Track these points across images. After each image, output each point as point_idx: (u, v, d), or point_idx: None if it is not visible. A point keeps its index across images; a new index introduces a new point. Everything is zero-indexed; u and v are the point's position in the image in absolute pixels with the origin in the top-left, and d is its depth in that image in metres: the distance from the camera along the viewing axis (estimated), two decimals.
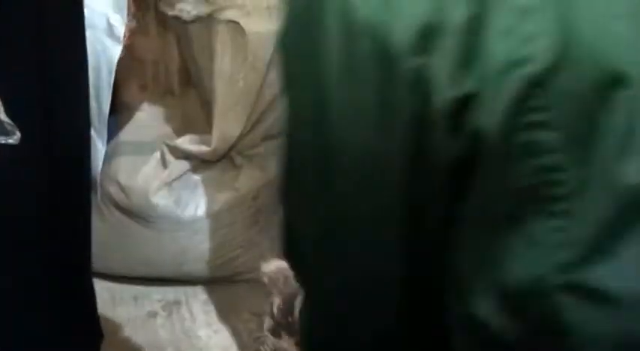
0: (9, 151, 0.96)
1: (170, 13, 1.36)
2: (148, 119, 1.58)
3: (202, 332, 1.42)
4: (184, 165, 1.42)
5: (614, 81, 0.47)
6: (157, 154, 1.50)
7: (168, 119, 1.57)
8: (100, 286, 1.52)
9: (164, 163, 1.49)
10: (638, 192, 0.48)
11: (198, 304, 1.44)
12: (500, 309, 0.51)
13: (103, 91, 1.13)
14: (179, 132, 1.46)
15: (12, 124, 0.80)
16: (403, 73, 0.50)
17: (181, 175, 1.41)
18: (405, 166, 0.53)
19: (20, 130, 0.92)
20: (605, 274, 0.47)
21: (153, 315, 1.45)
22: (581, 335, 0.50)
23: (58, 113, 1.08)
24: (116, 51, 1.15)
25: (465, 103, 0.49)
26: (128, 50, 1.65)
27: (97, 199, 1.54)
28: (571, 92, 0.48)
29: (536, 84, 0.47)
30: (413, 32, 0.50)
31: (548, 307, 0.50)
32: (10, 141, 0.81)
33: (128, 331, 1.41)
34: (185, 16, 1.38)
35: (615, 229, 0.49)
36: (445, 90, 0.49)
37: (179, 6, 1.33)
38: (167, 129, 1.55)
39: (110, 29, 1.11)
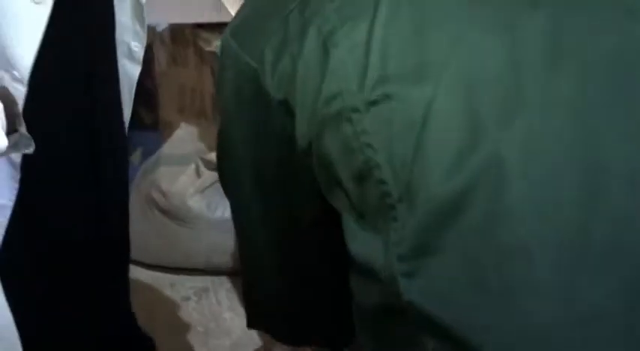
0: (61, 172, 1.10)
1: (207, 48, 1.54)
2: (185, 136, 1.73)
3: (227, 315, 1.58)
4: (215, 175, 1.53)
5: (420, 109, 0.57)
6: (193, 166, 1.64)
7: (202, 137, 1.70)
8: (144, 274, 1.71)
9: (198, 173, 1.63)
10: (444, 201, 0.57)
11: (223, 291, 1.60)
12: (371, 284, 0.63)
13: (125, 105, 1.21)
14: (211, 148, 1.60)
15: (29, 137, 0.82)
16: (275, 106, 0.62)
17: (212, 183, 1.55)
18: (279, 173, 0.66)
19: (66, 143, 1.08)
20: (430, 266, 0.58)
21: (186, 299, 1.60)
22: (419, 310, 0.59)
23: (100, 127, 1.19)
24: (136, 71, 1.22)
25: (309, 143, 0.61)
26: (170, 78, 1.86)
27: (141, 203, 1.71)
28: (389, 120, 0.58)
29: (355, 110, 0.58)
30: (275, 79, 0.62)
31: (395, 288, 0.60)
32: (27, 152, 0.82)
33: (166, 312, 1.59)
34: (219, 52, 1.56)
35: (430, 231, 0.58)
36: (298, 126, 0.61)
37: (215, 43, 1.51)
38: (201, 145, 1.69)
39: (131, 54, 1.17)
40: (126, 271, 1.38)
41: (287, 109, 0.63)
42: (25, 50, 0.96)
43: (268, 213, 0.73)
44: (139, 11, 1.18)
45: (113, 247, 1.26)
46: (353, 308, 0.68)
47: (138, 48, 1.20)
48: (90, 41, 1.12)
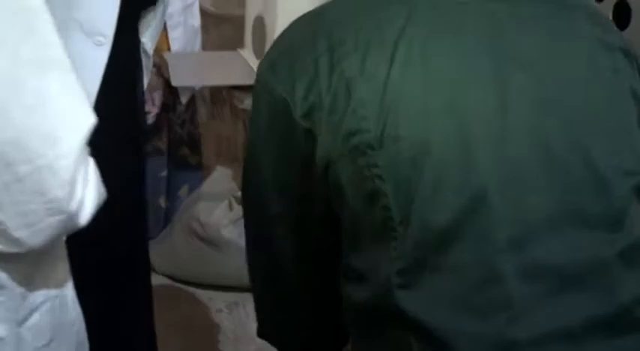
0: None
1: (240, 106, 1.58)
2: (220, 177, 1.93)
3: (253, 325, 1.72)
4: None
5: (423, 152, 0.64)
6: (226, 201, 1.84)
7: (235, 178, 1.89)
8: (185, 290, 1.92)
9: (231, 208, 1.84)
10: (442, 231, 0.66)
11: (250, 304, 1.70)
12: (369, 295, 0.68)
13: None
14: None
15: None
16: (300, 133, 0.68)
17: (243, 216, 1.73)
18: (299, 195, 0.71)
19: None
20: (424, 280, 0.65)
21: (220, 311, 1.81)
22: (409, 317, 0.67)
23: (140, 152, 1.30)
24: (145, 80, 1.28)
25: (327, 164, 0.66)
26: (210, 129, 2.04)
27: (184, 232, 1.92)
28: (397, 158, 0.65)
29: (370, 147, 0.64)
30: (303, 111, 0.67)
31: (391, 298, 0.66)
32: None
33: (203, 321, 1.79)
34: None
35: (427, 251, 0.66)
36: (319, 151, 0.67)
37: (247, 102, 1.63)
38: (234, 184, 1.89)
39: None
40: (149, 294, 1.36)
41: (311, 136, 0.68)
42: (89, 89, 0.96)
43: (292, 222, 0.78)
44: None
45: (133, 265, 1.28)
46: (347, 313, 0.73)
47: (146, 63, 1.29)
48: (129, 76, 1.17)
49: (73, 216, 0.85)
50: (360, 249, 0.69)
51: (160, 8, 1.26)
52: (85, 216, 0.88)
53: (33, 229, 0.86)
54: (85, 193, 0.84)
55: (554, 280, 0.71)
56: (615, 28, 0.84)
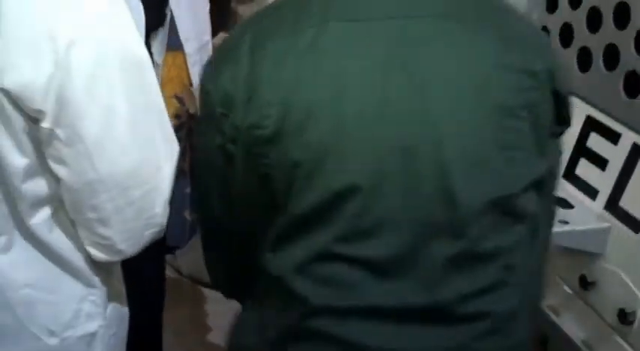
0: None
1: None
2: None
3: None
4: None
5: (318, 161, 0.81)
6: None
7: None
8: (206, 291, 2.17)
9: None
10: (307, 214, 0.85)
11: None
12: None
13: None
14: None
15: None
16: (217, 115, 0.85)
17: None
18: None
19: None
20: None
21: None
22: (307, 301, 0.88)
23: None
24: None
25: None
26: None
27: None
28: (286, 151, 0.81)
29: (267, 141, 0.81)
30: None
31: (264, 260, 0.89)
32: None
33: (221, 320, 1.88)
34: None
35: (294, 228, 0.86)
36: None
37: None
38: None
39: None
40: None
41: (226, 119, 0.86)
42: None
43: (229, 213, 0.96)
44: None
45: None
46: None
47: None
48: None
49: (163, 228, 1.09)
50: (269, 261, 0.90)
51: (165, 28, 1.55)
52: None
53: (133, 241, 1.06)
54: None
55: (381, 268, 0.85)
56: (535, 48, 0.90)
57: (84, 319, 1.10)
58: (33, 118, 0.93)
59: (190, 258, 2.28)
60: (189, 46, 1.98)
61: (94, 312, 1.11)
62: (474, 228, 0.87)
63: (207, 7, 2.08)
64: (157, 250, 1.64)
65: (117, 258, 1.08)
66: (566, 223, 1.34)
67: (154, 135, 1.01)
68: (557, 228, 1.28)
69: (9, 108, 0.92)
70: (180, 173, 2.12)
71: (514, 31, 0.90)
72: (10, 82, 0.90)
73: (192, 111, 2.03)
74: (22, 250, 1.04)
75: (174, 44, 1.95)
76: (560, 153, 0.99)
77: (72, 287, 1.08)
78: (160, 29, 1.48)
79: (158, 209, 1.05)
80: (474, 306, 0.89)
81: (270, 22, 0.89)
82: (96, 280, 1.10)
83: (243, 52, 0.85)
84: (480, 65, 0.85)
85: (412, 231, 0.86)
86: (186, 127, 2.27)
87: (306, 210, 0.86)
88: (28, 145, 0.96)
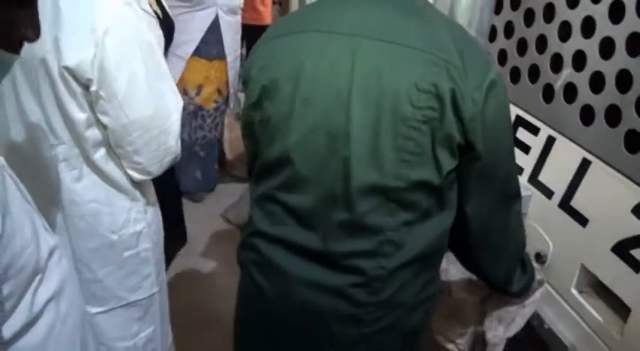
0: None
1: None
2: None
3: None
4: None
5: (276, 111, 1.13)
6: None
7: None
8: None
9: None
10: (266, 165, 1.16)
11: None
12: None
13: None
14: None
15: None
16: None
17: None
18: None
19: None
20: None
21: None
22: (254, 223, 1.21)
23: None
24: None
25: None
26: None
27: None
28: (262, 115, 1.15)
29: (253, 106, 1.16)
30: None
31: (252, 209, 1.21)
32: None
33: None
34: None
35: (262, 175, 1.20)
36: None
37: None
38: None
39: None
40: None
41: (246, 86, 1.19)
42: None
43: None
44: None
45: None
46: None
47: None
48: None
49: (177, 156, 1.57)
50: None
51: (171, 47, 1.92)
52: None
53: (158, 165, 1.52)
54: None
55: (300, 216, 1.14)
56: (450, 74, 1.01)
57: (132, 222, 1.57)
58: (85, 85, 1.34)
59: (236, 211, 3.03)
60: (229, 57, 3.24)
61: (138, 217, 1.61)
62: (360, 205, 1.08)
63: (239, 32, 3.29)
64: (175, 187, 2.28)
65: (148, 177, 1.53)
66: None
67: (163, 92, 1.44)
68: None
69: (69, 79, 1.33)
70: (211, 141, 3.51)
71: (440, 58, 1.00)
72: (70, 61, 1.31)
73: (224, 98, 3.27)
74: (89, 178, 1.48)
75: (220, 54, 3.18)
76: (474, 173, 1.11)
77: (122, 201, 1.54)
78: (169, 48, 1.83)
79: (171, 143, 1.50)
80: (354, 262, 1.11)
81: (274, 29, 1.19)
82: (137, 194, 1.59)
83: (253, 51, 1.20)
84: (398, 83, 1.00)
85: (322, 196, 1.11)
86: (221, 109, 3.49)
87: (266, 162, 1.17)
88: (84, 104, 1.37)
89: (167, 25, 1.74)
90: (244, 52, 4.65)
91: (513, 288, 1.39)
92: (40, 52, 1.29)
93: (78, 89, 1.34)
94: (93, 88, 1.33)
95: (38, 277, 0.97)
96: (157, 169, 1.50)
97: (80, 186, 1.46)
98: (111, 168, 1.47)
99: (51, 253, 1.01)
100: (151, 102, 1.40)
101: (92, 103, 1.36)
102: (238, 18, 3.32)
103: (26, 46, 0.96)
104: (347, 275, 1.12)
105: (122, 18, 1.32)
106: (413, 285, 1.16)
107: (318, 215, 1.11)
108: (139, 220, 1.57)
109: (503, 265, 1.32)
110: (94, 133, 1.41)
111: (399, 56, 1.02)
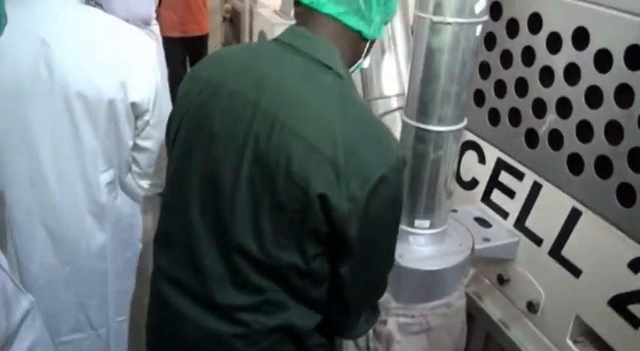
0: None
1: None
2: None
3: None
4: None
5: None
6: None
7: None
8: None
9: None
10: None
11: None
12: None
13: None
14: None
15: None
16: None
17: None
18: None
19: None
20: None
21: None
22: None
23: None
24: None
25: None
26: None
27: None
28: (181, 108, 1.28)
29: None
30: None
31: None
32: None
33: None
34: None
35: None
36: None
37: None
38: None
39: None
40: None
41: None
42: None
43: None
44: None
45: None
46: None
47: None
48: None
49: None
50: None
51: None
52: None
53: None
54: None
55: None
56: (325, 174, 1.06)
57: (150, 231, 1.83)
58: (139, 116, 1.64)
59: None
60: None
61: (153, 227, 1.76)
62: (241, 265, 1.18)
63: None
64: None
65: (159, 191, 1.79)
66: (488, 240, 1.77)
67: None
68: (481, 245, 1.72)
69: (131, 113, 1.62)
70: None
71: (323, 155, 1.06)
72: (136, 98, 1.61)
73: None
74: (121, 196, 1.76)
75: None
76: (346, 275, 1.20)
77: (143, 214, 1.85)
78: None
79: None
80: (237, 315, 1.22)
81: (201, 72, 1.31)
82: (149, 207, 1.87)
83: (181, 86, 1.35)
84: (278, 169, 1.08)
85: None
86: None
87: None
88: (132, 133, 1.66)
89: None
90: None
91: (356, 332, 1.43)
92: (109, 93, 1.55)
93: (132, 120, 1.63)
94: (146, 118, 1.64)
95: (10, 341, 1.01)
96: None
97: (118, 203, 1.74)
98: (134, 186, 1.77)
99: (24, 316, 1.03)
100: None
101: (136, 130, 1.66)
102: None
103: (94, 87, 1.52)
104: (230, 325, 1.21)
105: (160, 58, 1.70)
106: (293, 338, 1.26)
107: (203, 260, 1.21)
108: (152, 227, 1.83)
109: (355, 317, 1.37)
110: (129, 158, 1.71)
111: (284, 140, 1.08)
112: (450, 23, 1.39)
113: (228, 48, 1.35)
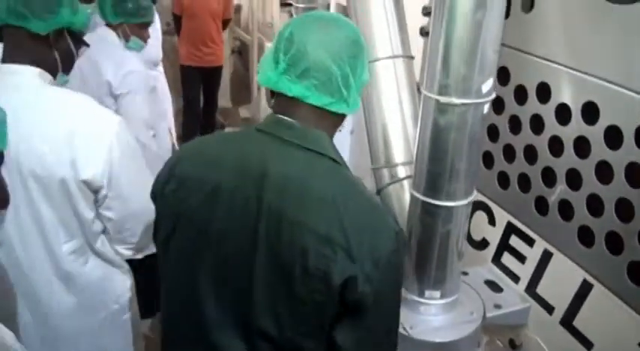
0: None
1: None
2: None
3: None
4: None
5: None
6: None
7: None
8: None
9: None
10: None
11: None
12: None
13: None
14: None
15: None
16: None
17: None
18: None
19: None
20: None
21: None
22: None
23: None
24: None
25: None
26: None
27: None
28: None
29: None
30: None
31: None
32: None
33: None
34: None
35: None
36: None
37: None
38: None
39: None
40: None
41: None
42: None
43: None
44: None
45: None
46: None
47: None
48: None
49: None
50: None
51: None
52: None
53: (147, 242, 1.79)
54: None
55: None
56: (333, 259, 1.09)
57: (127, 290, 1.90)
58: (95, 191, 1.63)
59: None
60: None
61: (129, 286, 1.89)
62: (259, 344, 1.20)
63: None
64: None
65: (139, 254, 1.83)
66: (499, 306, 1.76)
67: (148, 185, 1.46)
68: (492, 312, 1.71)
69: (84, 188, 1.61)
70: None
71: (333, 243, 1.10)
72: (86, 176, 1.58)
73: None
74: (93, 261, 1.75)
75: None
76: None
77: (118, 275, 1.84)
78: None
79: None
80: None
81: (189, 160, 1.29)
82: (126, 268, 1.87)
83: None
84: (293, 260, 1.11)
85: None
86: None
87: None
88: (92, 205, 1.66)
89: None
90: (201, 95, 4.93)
91: None
92: (60, 172, 1.57)
93: (89, 195, 1.64)
94: (102, 193, 1.64)
95: None
96: (146, 245, 1.79)
97: (87, 269, 1.73)
98: (107, 250, 1.77)
99: None
100: (144, 195, 1.52)
101: (96, 202, 1.67)
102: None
103: (44, 166, 1.55)
104: None
105: (121, 135, 1.63)
106: None
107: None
108: (129, 288, 1.86)
109: None
110: (96, 227, 1.70)
111: (296, 236, 1.10)
112: (456, 104, 1.38)
113: (204, 140, 1.32)
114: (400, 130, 1.77)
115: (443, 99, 1.39)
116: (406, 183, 1.73)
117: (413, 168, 1.67)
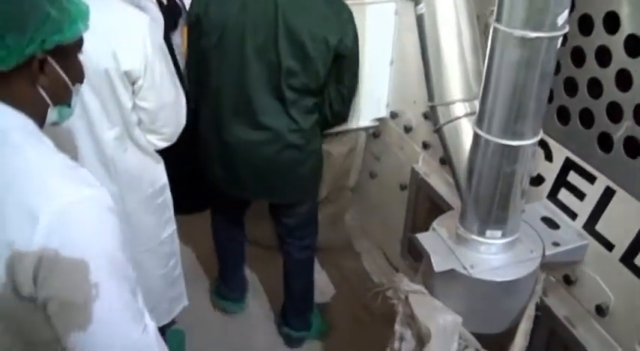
0: None
1: None
2: None
3: None
4: None
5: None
6: None
7: None
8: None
9: None
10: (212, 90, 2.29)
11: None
12: None
13: None
14: None
15: None
16: None
17: None
18: None
19: None
20: None
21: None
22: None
23: None
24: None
25: None
26: None
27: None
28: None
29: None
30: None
31: None
32: None
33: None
34: None
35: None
36: None
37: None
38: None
39: None
40: None
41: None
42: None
43: None
44: None
45: None
46: None
47: None
48: (174, 58, 2.38)
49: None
50: None
51: (179, 26, 2.39)
52: None
53: (176, 134, 2.14)
54: None
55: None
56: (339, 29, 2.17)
57: (159, 177, 2.21)
58: (133, 82, 1.88)
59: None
60: None
61: (162, 175, 2.22)
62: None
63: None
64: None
65: (169, 144, 2.12)
66: (558, 244, 1.74)
67: (177, 83, 2.04)
68: (550, 250, 1.69)
69: (125, 79, 1.85)
70: None
71: (332, 19, 2.15)
72: (128, 67, 1.83)
73: None
74: (132, 149, 2.02)
75: None
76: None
77: (153, 163, 2.14)
78: (175, 31, 2.41)
79: (184, 117, 2.12)
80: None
81: None
82: (159, 158, 2.15)
83: None
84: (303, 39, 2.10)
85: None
86: None
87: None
88: (131, 95, 1.91)
89: (173, 13, 2.35)
90: None
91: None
92: (103, 64, 1.79)
93: (128, 85, 1.88)
94: (139, 83, 1.88)
95: None
96: (175, 136, 2.09)
97: (127, 155, 2.00)
98: (144, 140, 2.03)
99: None
100: (173, 89, 2.00)
101: (134, 93, 1.90)
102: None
103: (89, 59, 1.51)
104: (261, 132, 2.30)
105: (151, 30, 1.89)
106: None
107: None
108: (163, 176, 2.17)
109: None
110: (134, 117, 1.96)
111: (304, 19, 2.10)
112: (531, 38, 1.32)
113: None
114: (458, 65, 1.70)
115: (517, 32, 1.32)
116: (466, 121, 1.67)
117: (473, 105, 1.62)
